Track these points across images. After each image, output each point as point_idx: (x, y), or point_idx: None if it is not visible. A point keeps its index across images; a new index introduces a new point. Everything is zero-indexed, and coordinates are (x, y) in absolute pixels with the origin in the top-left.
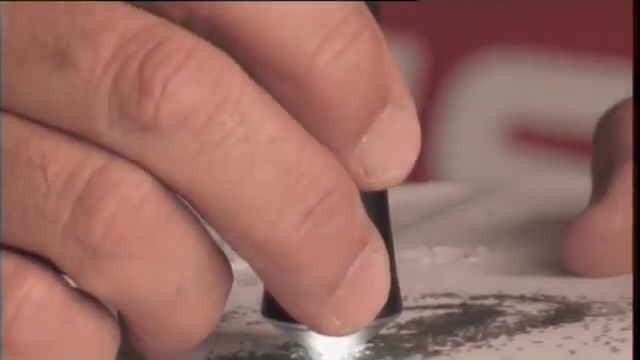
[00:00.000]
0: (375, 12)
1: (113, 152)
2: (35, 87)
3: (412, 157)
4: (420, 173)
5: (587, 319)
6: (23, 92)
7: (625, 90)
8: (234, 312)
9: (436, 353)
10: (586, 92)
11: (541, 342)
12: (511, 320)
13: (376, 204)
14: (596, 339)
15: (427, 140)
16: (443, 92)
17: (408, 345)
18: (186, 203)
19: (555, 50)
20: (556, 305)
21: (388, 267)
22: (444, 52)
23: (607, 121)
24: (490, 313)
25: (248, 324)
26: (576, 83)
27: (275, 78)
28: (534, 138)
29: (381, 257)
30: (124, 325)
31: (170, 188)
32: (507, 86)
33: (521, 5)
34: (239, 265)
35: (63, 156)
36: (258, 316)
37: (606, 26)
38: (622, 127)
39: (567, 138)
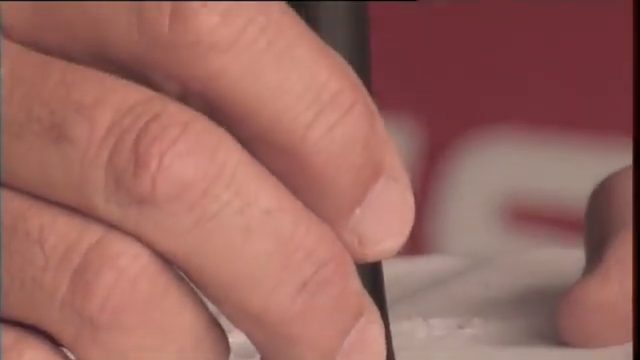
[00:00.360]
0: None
1: (110, 225)
2: (32, 162)
3: (406, 229)
4: (418, 251)
5: None
6: (20, 167)
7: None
8: None
9: None
10: (584, 171)
11: None
12: None
13: (371, 275)
14: None
15: (425, 218)
16: (441, 171)
17: None
18: (183, 275)
19: (552, 129)
20: None
21: (384, 338)
22: (441, 131)
23: (599, 193)
24: None
25: None
26: (574, 162)
27: (269, 150)
28: (532, 217)
29: (377, 328)
30: None
31: (167, 260)
32: (505, 165)
33: (518, 84)
34: (236, 337)
35: (61, 229)
36: None
37: (604, 105)
38: (614, 198)
39: (566, 217)
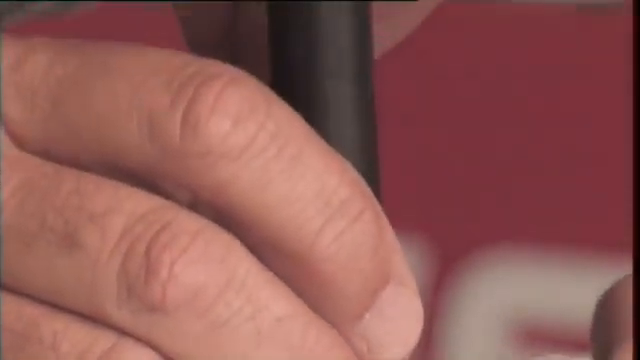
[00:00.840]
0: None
1: (122, 331)
2: (44, 269)
3: (414, 335)
4: None
5: None
6: (32, 274)
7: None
8: None
9: None
10: (591, 290)
11: None
12: None
13: None
14: None
15: (433, 335)
16: (449, 291)
17: None
18: None
19: (558, 248)
20: None
21: None
22: (450, 251)
23: (603, 303)
24: None
25: None
26: (580, 280)
27: (278, 256)
28: (540, 336)
29: None
30: None
31: None
32: (511, 283)
33: (524, 204)
34: None
35: (73, 336)
36: None
37: (607, 224)
38: (617, 308)
39: (573, 336)
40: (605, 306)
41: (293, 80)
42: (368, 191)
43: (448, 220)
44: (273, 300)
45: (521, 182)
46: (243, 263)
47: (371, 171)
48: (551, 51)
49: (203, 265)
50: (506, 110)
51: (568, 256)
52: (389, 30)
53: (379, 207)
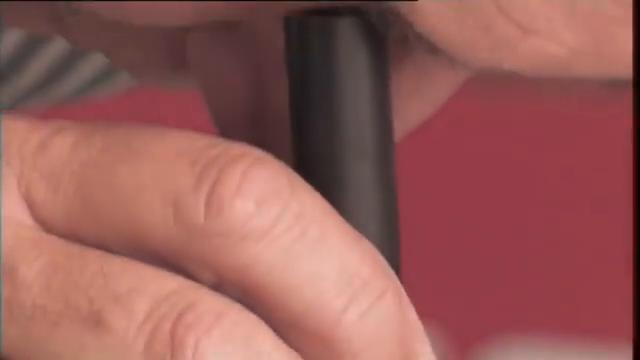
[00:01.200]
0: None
1: None
2: (70, 349)
3: None
4: None
5: None
6: (59, 354)
7: None
8: None
9: None
10: None
11: None
12: None
13: None
14: None
15: None
16: None
17: None
18: None
19: (569, 337)
20: None
21: None
22: (463, 340)
23: None
24: None
25: None
26: None
27: (302, 336)
28: None
29: None
30: None
31: None
32: None
33: (538, 295)
34: None
35: None
36: None
37: (614, 316)
38: None
39: None
40: None
41: (314, 161)
42: (390, 270)
43: (462, 309)
44: None
45: (534, 274)
46: (267, 343)
47: (391, 251)
48: (577, 132)
49: (228, 345)
50: (523, 202)
51: (579, 345)
52: (417, 106)
53: (401, 286)
